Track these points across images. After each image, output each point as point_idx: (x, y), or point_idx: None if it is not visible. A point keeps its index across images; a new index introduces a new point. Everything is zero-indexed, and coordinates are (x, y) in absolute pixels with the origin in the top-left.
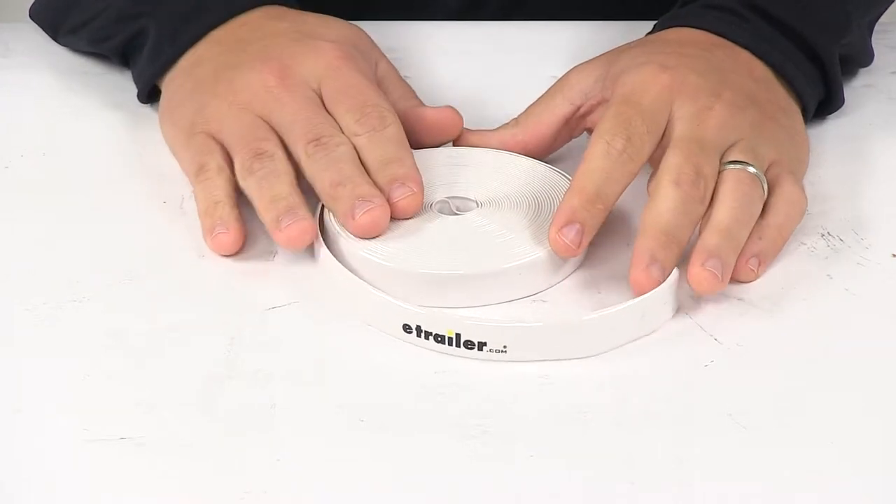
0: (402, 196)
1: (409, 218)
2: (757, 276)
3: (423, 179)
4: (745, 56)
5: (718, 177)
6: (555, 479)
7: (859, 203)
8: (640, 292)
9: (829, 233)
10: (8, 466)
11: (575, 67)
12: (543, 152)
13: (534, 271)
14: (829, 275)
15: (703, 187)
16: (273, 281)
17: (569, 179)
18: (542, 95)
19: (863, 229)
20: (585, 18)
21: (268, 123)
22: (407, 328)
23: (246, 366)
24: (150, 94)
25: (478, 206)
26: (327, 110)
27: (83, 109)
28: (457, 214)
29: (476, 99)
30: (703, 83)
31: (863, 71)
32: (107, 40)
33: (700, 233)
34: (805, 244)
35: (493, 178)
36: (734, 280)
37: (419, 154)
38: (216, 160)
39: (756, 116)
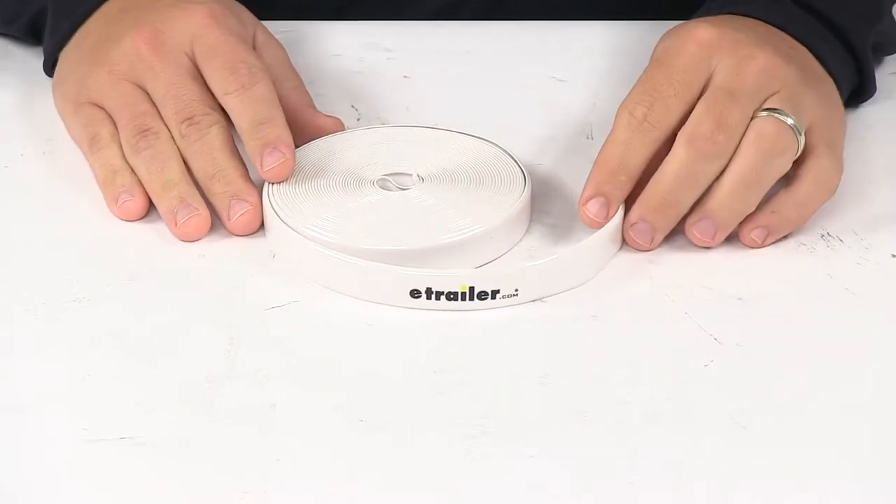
0: (273, 164)
1: (281, 182)
2: (762, 246)
3: (361, 158)
4: (783, 34)
5: (748, 125)
6: (555, 479)
7: (859, 203)
8: (633, 246)
9: (828, 233)
10: (8, 466)
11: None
12: None
13: (478, 244)
14: (829, 275)
15: (724, 140)
16: (273, 281)
17: (504, 151)
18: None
19: (863, 229)
20: (563, 19)
21: (146, 92)
22: (416, 293)
23: (246, 366)
24: (54, 68)
25: (420, 181)
26: (201, 71)
27: None
28: (400, 190)
29: (476, 99)
30: (745, 38)
31: None
32: (15, 20)
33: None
34: (805, 244)
35: (430, 153)
36: (741, 242)
37: (354, 136)
38: (107, 129)
39: (799, 73)
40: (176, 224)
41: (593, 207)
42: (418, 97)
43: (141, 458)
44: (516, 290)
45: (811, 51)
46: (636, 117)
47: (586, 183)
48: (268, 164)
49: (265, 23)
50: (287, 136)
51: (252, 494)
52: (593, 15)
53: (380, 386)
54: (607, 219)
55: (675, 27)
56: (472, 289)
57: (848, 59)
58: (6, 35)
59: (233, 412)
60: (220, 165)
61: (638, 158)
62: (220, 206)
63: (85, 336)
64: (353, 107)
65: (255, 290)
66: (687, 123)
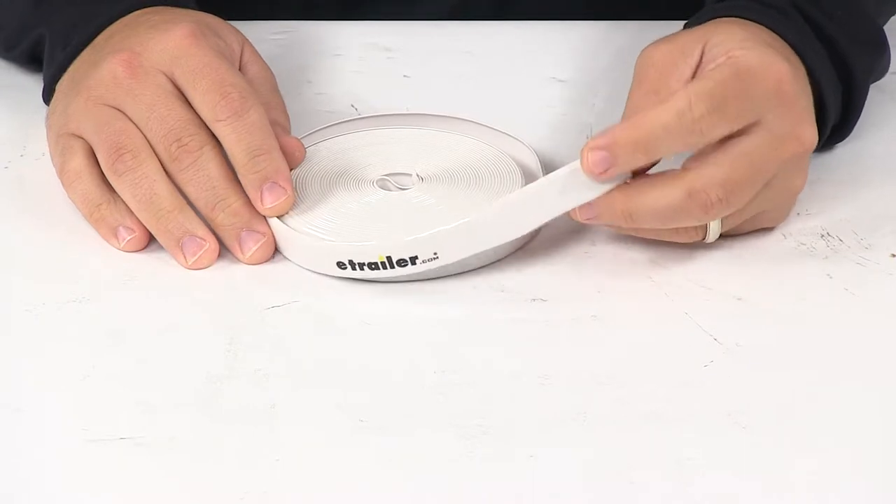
0: (274, 202)
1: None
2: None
3: (361, 158)
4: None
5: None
6: (555, 479)
7: (859, 203)
8: (584, 168)
9: (828, 233)
10: (8, 466)
11: (644, 51)
12: None
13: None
14: (829, 275)
15: (714, 214)
16: (273, 281)
17: (500, 152)
18: (638, 93)
19: (863, 229)
20: (574, 19)
21: (125, 115)
22: (341, 265)
23: (246, 366)
24: (51, 97)
25: (420, 181)
26: (185, 94)
27: None
28: (400, 190)
29: (477, 99)
30: (805, 104)
31: None
32: (14, 48)
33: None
34: (805, 244)
35: (428, 153)
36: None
37: (354, 136)
38: (78, 159)
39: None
40: (185, 259)
41: (596, 159)
42: (418, 97)
43: (141, 458)
44: (435, 254)
45: (814, 83)
46: (693, 114)
47: (606, 131)
48: (268, 202)
49: (271, 23)
50: (285, 168)
51: (252, 494)
52: (598, 17)
53: (380, 386)
54: (605, 175)
55: (730, 33)
56: (389, 258)
57: (840, 91)
58: (8, 60)
59: (233, 412)
60: (220, 194)
61: (668, 151)
62: (228, 239)
63: (85, 336)
64: (352, 106)
65: (255, 290)
66: (699, 179)
